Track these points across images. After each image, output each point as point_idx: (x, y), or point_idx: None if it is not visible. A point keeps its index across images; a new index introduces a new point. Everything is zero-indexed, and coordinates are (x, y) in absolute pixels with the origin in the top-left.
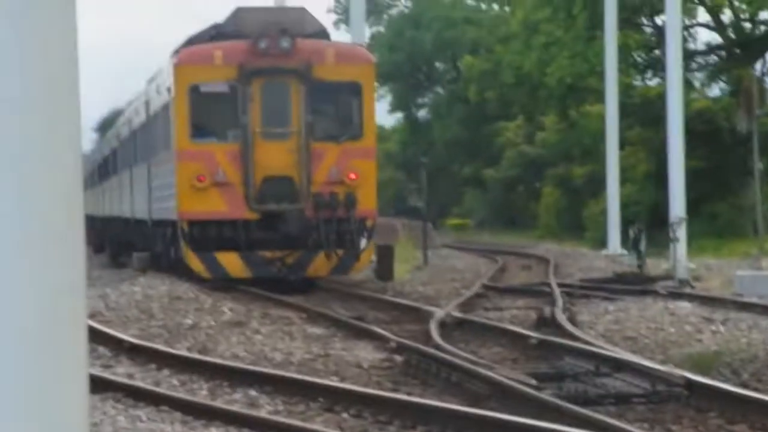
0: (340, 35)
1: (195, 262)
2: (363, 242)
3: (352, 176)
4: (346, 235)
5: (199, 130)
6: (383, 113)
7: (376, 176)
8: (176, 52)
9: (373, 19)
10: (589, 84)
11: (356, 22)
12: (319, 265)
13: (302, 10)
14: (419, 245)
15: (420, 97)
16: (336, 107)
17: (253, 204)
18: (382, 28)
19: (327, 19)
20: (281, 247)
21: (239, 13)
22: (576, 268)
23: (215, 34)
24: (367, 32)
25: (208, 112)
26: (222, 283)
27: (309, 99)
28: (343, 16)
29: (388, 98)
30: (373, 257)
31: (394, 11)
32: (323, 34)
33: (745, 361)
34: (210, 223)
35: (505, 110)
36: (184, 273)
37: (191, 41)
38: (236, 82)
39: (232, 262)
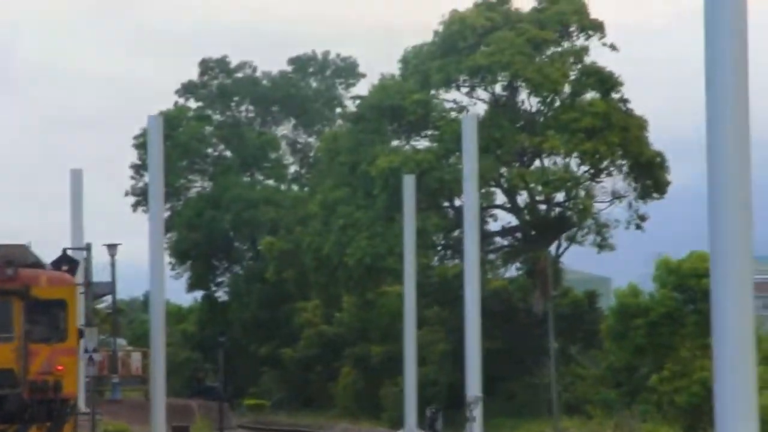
0: (138, 216)
1: None
2: (66, 416)
3: (59, 368)
4: (53, 412)
5: None
6: (181, 292)
7: (77, 368)
8: None
9: (172, 198)
10: (388, 264)
11: (154, 203)
12: None
13: (24, 247)
14: (216, 426)
15: (218, 276)
16: (48, 318)
17: None
18: (180, 207)
19: (125, 202)
20: (3, 422)
21: None
22: None
23: None
24: (165, 212)
25: None
26: None
27: (27, 312)
28: (141, 198)
29: (187, 277)
30: None
31: (192, 191)
32: (39, 264)
33: None
34: None
35: (304, 290)
36: None
37: None
38: None
39: None
